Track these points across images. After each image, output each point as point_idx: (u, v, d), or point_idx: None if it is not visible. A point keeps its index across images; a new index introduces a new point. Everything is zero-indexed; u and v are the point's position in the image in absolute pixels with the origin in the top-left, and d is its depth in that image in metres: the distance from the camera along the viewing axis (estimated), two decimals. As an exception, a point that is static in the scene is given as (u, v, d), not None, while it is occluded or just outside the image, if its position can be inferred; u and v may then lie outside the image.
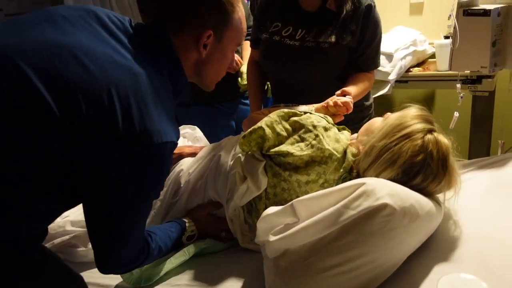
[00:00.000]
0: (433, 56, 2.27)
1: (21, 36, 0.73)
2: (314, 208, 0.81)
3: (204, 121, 1.71)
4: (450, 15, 1.23)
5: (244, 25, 0.93)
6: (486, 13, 1.14)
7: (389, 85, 2.10)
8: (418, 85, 2.23)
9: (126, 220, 0.81)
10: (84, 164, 0.73)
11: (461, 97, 1.31)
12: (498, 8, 1.15)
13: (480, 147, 2.08)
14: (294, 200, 0.84)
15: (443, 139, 0.91)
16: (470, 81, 1.88)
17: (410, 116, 0.94)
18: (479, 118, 2.03)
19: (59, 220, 1.21)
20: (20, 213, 0.74)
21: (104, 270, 0.86)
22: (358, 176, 0.97)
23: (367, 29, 1.30)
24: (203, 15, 0.84)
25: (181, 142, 1.45)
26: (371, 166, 0.92)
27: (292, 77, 1.39)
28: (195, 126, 1.53)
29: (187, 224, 1.08)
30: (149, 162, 0.76)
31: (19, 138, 0.69)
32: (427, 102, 2.68)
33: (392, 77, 2.08)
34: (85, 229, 0.84)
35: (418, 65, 2.31)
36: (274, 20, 1.38)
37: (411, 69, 2.21)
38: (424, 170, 0.88)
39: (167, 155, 0.80)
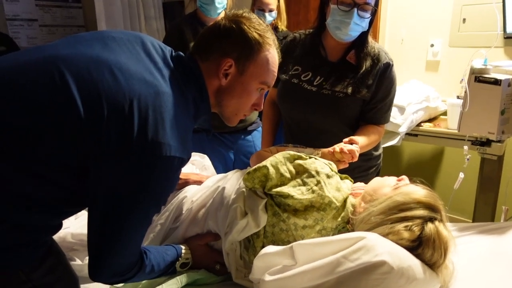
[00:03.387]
0: (445, 113, 2.30)
1: (72, 49, 0.83)
2: (313, 254, 0.82)
3: (203, 149, 1.74)
4: (462, 79, 1.27)
5: (273, 67, 0.97)
6: (497, 82, 1.18)
7: (399, 137, 2.12)
8: (428, 140, 2.25)
9: (123, 231, 0.84)
10: (93, 164, 0.78)
11: (468, 159, 1.33)
12: (509, 78, 1.19)
13: (485, 209, 2.06)
14: (294, 243, 0.85)
15: (443, 230, 0.90)
16: (480, 143, 1.89)
17: (417, 198, 0.93)
18: (486, 180, 2.03)
19: (60, 231, 1.23)
20: (35, 203, 0.79)
21: (94, 277, 0.87)
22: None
23: (382, 85, 1.35)
24: (227, 45, 0.93)
25: (188, 169, 1.48)
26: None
27: (305, 120, 1.44)
28: (205, 155, 1.56)
29: (183, 251, 1.09)
30: (154, 173, 0.80)
31: (47, 132, 0.76)
32: (436, 158, 2.69)
33: (403, 129, 2.11)
34: (85, 243, 0.87)
35: (430, 120, 2.34)
36: (296, 64, 1.44)
37: (422, 124, 2.25)
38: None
39: (174, 170, 0.84)
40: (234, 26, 0.93)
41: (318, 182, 1.01)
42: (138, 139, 0.77)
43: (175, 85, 0.87)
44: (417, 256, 0.88)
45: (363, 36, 1.34)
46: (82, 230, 1.21)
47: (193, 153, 1.58)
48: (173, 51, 0.96)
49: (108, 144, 0.77)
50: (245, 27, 0.92)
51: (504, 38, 2.22)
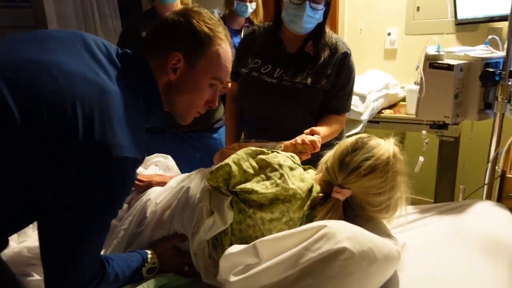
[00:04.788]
0: (404, 99, 2.38)
1: (5, 53, 0.78)
2: (276, 249, 0.82)
3: (168, 150, 1.70)
4: (418, 66, 1.30)
5: (225, 62, 0.95)
6: (449, 67, 1.22)
7: (362, 124, 2.17)
8: (389, 126, 2.31)
9: (80, 239, 0.80)
10: (38, 174, 0.73)
11: (426, 143, 1.37)
12: (460, 63, 1.23)
13: (446, 190, 2.16)
14: (257, 241, 0.85)
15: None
16: (437, 126, 1.97)
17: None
18: (445, 161, 2.12)
19: (15, 246, 1.16)
20: None
21: None
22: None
23: (341, 74, 1.36)
24: (175, 39, 0.90)
25: (152, 171, 1.44)
26: (328, 163, 1.01)
27: (266, 113, 1.43)
28: (168, 156, 1.52)
29: (149, 256, 1.06)
30: (107, 177, 0.76)
31: None
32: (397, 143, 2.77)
33: (365, 117, 2.15)
34: None
35: (390, 107, 2.40)
36: (255, 57, 1.43)
37: (383, 111, 2.30)
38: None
39: (127, 171, 0.80)
40: (182, 19, 0.90)
41: (282, 175, 1.00)
42: (84, 142, 0.72)
43: (122, 83, 0.83)
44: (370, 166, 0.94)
45: (320, 27, 1.34)
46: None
47: (156, 154, 1.54)
48: (119, 49, 0.91)
49: (53, 151, 0.72)
50: (194, 20, 0.90)
51: (456, 24, 2.30)
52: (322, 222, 0.85)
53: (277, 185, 0.99)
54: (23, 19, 3.68)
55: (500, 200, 1.32)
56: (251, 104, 1.47)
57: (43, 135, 0.72)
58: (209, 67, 0.93)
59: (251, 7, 2.20)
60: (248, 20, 2.29)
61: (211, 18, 0.93)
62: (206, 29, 0.90)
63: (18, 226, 0.86)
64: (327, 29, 1.37)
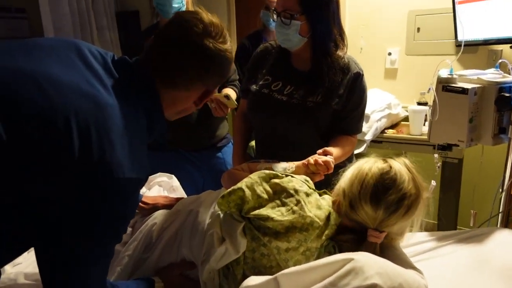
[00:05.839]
0: (405, 119, 2.37)
1: None
2: (299, 283, 0.78)
3: (170, 168, 1.62)
4: (429, 89, 1.29)
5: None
6: (464, 91, 1.21)
7: (365, 144, 2.15)
8: (392, 146, 2.30)
9: (82, 266, 0.73)
10: (31, 197, 0.67)
11: (438, 167, 1.35)
12: (475, 87, 1.22)
13: (449, 212, 2.15)
14: (278, 274, 0.80)
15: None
16: (442, 147, 1.95)
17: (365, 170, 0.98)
18: (448, 181, 2.12)
19: (10, 272, 1.09)
20: None
21: None
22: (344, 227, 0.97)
23: (353, 94, 1.34)
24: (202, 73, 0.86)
25: (156, 192, 1.38)
26: (353, 200, 0.94)
27: (275, 131, 1.40)
28: (172, 175, 1.47)
29: (156, 284, 1.00)
30: (107, 199, 0.70)
31: None
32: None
33: (368, 137, 2.14)
34: (40, 283, 0.75)
35: (392, 127, 2.39)
36: (266, 74, 1.41)
37: (385, 131, 2.29)
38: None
39: (130, 192, 0.74)
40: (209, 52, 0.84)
41: (298, 202, 0.96)
42: (81, 162, 0.66)
43: (120, 95, 0.76)
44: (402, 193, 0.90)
45: (323, 46, 1.30)
46: (36, 268, 1.08)
47: (160, 173, 1.48)
48: (114, 56, 0.85)
49: (46, 172, 0.66)
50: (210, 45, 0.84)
51: (456, 46, 2.32)
52: (348, 255, 0.81)
53: (294, 212, 0.95)
54: (19, 30, 3.62)
55: (507, 225, 1.30)
56: (261, 121, 1.44)
57: (33, 154, 0.65)
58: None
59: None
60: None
61: (224, 38, 0.88)
62: (229, 56, 0.88)
63: (13, 254, 0.79)
64: (339, 51, 1.35)
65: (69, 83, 0.71)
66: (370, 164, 0.96)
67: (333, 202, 1.02)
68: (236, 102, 1.61)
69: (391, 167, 0.93)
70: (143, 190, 1.38)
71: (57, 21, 3.07)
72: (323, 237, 0.96)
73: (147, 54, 0.86)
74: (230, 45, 0.90)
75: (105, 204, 0.70)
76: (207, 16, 0.86)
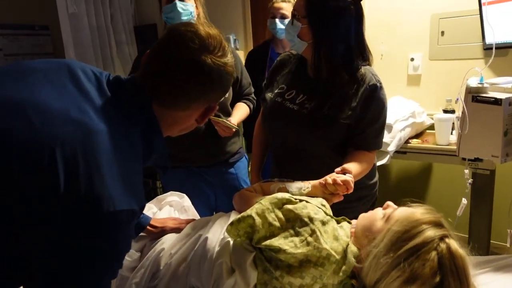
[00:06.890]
0: (431, 127, 2.25)
1: None
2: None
3: (182, 185, 1.60)
4: (457, 99, 1.18)
5: None
6: (497, 101, 1.09)
7: (388, 156, 2.04)
8: (417, 157, 2.17)
9: None
10: (17, 236, 0.62)
11: (469, 184, 1.23)
12: (509, 97, 1.11)
13: (481, 225, 2.00)
14: None
15: (458, 249, 0.80)
16: (472, 158, 1.82)
17: (417, 219, 0.82)
18: (480, 192, 1.97)
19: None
20: None
21: None
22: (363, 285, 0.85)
23: (369, 108, 1.24)
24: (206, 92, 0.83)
25: (167, 212, 1.33)
26: (381, 281, 0.80)
27: (287, 141, 1.33)
28: (184, 195, 1.41)
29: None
30: (98, 235, 0.65)
31: None
32: (424, 174, 2.62)
33: (392, 148, 2.03)
34: None
35: (416, 136, 2.27)
36: (282, 82, 1.37)
37: (409, 140, 2.17)
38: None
39: (123, 226, 0.68)
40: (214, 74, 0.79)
41: (313, 232, 0.87)
42: (67, 196, 0.61)
43: (114, 118, 0.71)
44: None
45: (328, 55, 1.22)
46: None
47: (171, 192, 1.43)
48: (110, 75, 0.81)
49: (31, 209, 0.61)
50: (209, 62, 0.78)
51: (484, 49, 2.18)
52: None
53: (308, 243, 0.86)
54: (42, 47, 3.73)
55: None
56: (273, 130, 1.39)
57: (16, 189, 0.61)
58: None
59: (282, 23, 2.08)
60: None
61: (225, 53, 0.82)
62: (230, 71, 0.82)
63: None
64: (361, 63, 1.26)
65: (58, 111, 0.67)
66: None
67: (352, 234, 0.93)
68: (236, 126, 1.62)
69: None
70: (154, 210, 1.33)
71: (77, 37, 3.13)
72: (341, 274, 0.87)
73: (142, 73, 0.81)
74: (231, 56, 0.84)
75: (95, 241, 0.65)
76: (203, 28, 0.80)
